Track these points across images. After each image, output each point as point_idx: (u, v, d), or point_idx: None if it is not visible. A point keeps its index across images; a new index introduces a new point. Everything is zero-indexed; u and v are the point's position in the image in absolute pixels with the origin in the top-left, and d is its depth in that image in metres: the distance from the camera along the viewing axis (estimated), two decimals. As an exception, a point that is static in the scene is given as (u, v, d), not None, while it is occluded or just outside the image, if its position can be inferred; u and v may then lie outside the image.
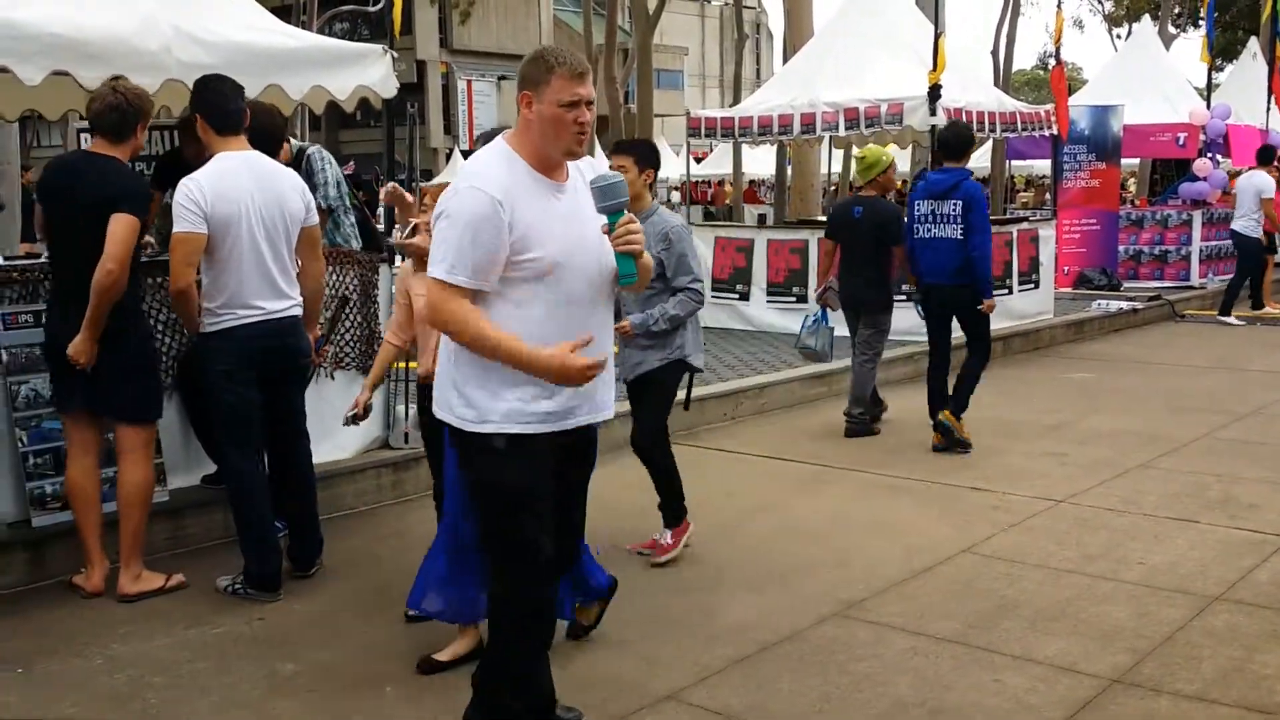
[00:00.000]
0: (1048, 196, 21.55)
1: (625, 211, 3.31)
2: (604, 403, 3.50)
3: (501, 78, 55.69)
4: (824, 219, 15.96)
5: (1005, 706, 3.91)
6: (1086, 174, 15.50)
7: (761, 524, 6.01)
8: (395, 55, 6.57)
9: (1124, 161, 17.46)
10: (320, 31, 27.75)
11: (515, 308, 3.28)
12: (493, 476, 3.37)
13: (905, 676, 4.15)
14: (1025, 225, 13.09)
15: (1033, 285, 12.70)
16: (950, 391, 7.67)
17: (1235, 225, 14.02)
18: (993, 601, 4.86)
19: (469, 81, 53.93)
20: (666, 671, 4.22)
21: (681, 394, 5.75)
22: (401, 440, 6.64)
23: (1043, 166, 26.01)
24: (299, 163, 6.09)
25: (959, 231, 7.41)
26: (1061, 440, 7.81)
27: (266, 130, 5.34)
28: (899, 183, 37.74)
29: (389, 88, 6.49)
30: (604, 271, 3.39)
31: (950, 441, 7.51)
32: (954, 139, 7.73)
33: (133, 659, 4.35)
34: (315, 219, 5.21)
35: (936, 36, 10.92)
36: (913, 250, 7.70)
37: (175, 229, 4.79)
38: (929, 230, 7.56)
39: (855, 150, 10.10)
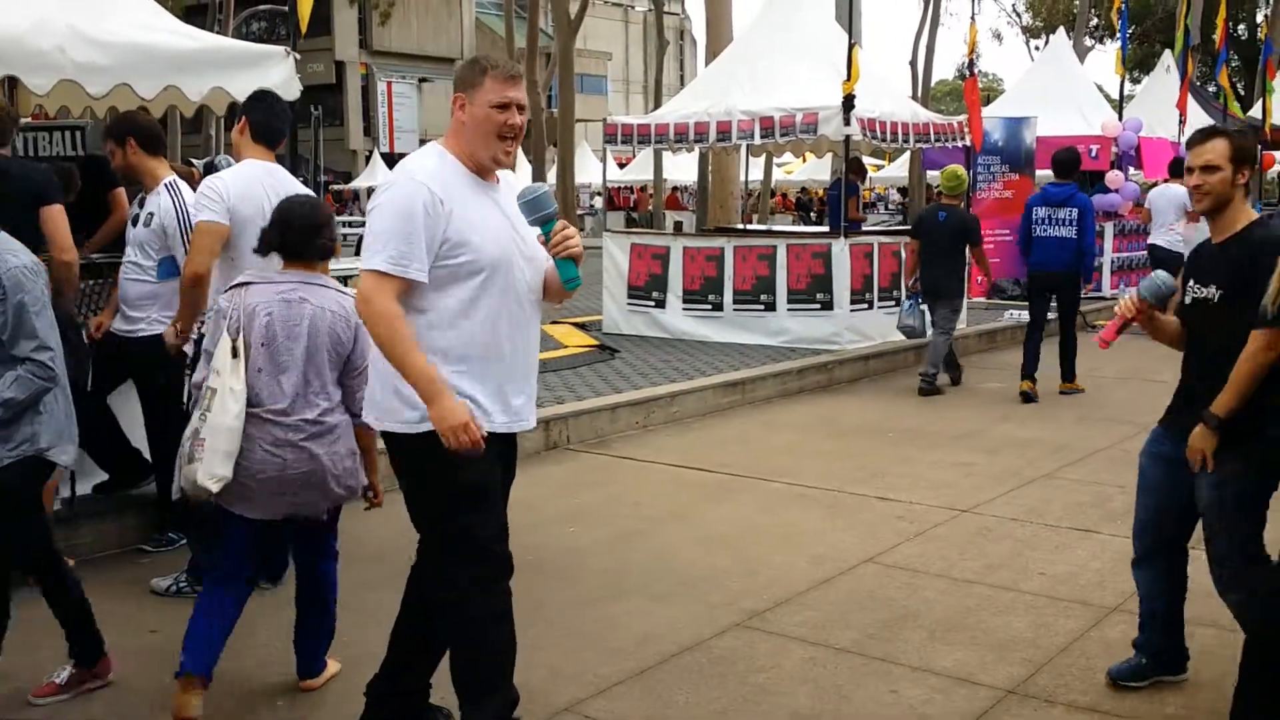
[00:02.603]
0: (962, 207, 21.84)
1: (556, 220, 3.33)
2: (530, 413, 3.53)
3: (422, 80, 55.31)
4: (743, 227, 16.08)
5: (901, 718, 3.92)
6: (1000, 185, 15.74)
7: (668, 533, 5.98)
8: (298, 57, 6.45)
9: (1038, 173, 17.76)
10: (237, 30, 27.35)
11: (453, 312, 3.26)
12: (447, 476, 3.29)
13: (804, 687, 4.14)
14: (939, 235, 13.22)
15: (946, 294, 12.84)
16: (1059, 362, 9.79)
17: (1156, 239, 14.07)
18: (893, 611, 4.87)
19: (389, 83, 53.44)
20: (567, 684, 4.17)
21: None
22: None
23: (959, 176, 26.39)
24: (209, 174, 5.99)
25: (1073, 232, 9.63)
26: (970, 449, 7.89)
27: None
28: (820, 191, 38.01)
29: (292, 90, 6.38)
30: (538, 278, 3.42)
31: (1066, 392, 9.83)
32: (1067, 160, 9.95)
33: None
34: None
35: (851, 47, 11.02)
36: (1026, 245, 9.83)
37: (199, 218, 4.84)
38: (1044, 230, 9.72)
39: (940, 173, 10.26)
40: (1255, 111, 23.50)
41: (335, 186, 44.34)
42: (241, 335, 3.84)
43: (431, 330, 3.27)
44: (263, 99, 5.26)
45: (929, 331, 10.30)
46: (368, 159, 51.12)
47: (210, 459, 3.77)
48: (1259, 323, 3.51)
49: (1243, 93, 39.00)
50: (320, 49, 47.05)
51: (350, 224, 34.50)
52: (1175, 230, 13.89)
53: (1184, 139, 16.70)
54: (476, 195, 3.32)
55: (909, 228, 11.79)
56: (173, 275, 5.17)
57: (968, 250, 10.34)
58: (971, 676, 4.22)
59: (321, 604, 4.23)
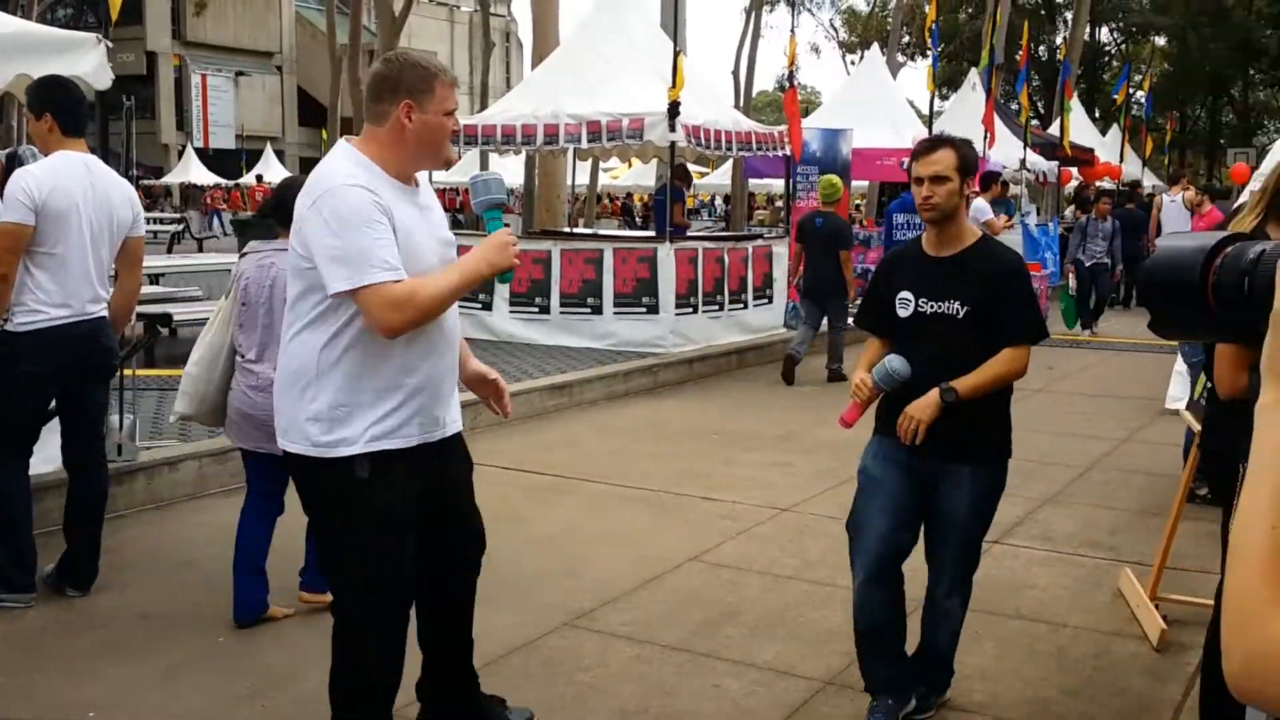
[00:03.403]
0: (782, 215, 22.43)
1: (501, 210, 3.27)
2: (452, 420, 3.36)
3: (239, 73, 53.64)
4: (570, 230, 16.13)
5: (725, 710, 4.02)
6: (818, 194, 16.19)
7: (496, 536, 5.90)
8: (110, 44, 6.20)
9: (855, 183, 18.34)
10: (42, 18, 25.99)
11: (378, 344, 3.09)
12: (359, 502, 3.15)
13: (630, 685, 4.21)
14: (760, 242, 13.56)
15: (766, 301, 13.18)
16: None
17: None
18: (717, 609, 4.99)
19: (204, 76, 51.64)
20: (391, 690, 4.12)
21: None
22: (114, 452, 6.25)
23: (779, 185, 27.08)
24: (10, 165, 5.70)
25: None
26: (789, 450, 8.12)
27: None
28: (646, 196, 38.41)
29: (103, 79, 6.13)
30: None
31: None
32: None
33: None
34: (141, 231, 5.17)
35: (676, 55, 11.20)
36: (889, 248, 10.20)
37: (3, 218, 4.63)
38: (904, 235, 11.07)
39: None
40: (1054, 129, 24.83)
41: (146, 181, 42.62)
42: (232, 295, 4.62)
43: (353, 351, 3.09)
44: (60, 86, 4.99)
45: (800, 329, 11.34)
46: (180, 154, 49.35)
47: (179, 397, 4.75)
48: (1017, 340, 3.63)
49: (1042, 110, 41.12)
50: (131, 38, 45.14)
51: (161, 220, 33.25)
52: None
53: (988, 153, 17.61)
54: (404, 204, 3.13)
55: (732, 234, 12.12)
56: None
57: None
58: (791, 669, 4.36)
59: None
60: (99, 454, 5.20)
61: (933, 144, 3.77)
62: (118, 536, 5.75)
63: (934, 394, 3.59)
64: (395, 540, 3.19)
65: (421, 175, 3.32)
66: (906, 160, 3.97)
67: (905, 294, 3.74)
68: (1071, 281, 15.12)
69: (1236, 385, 3.13)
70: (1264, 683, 1.01)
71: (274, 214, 4.49)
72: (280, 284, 4.24)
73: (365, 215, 2.98)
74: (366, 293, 2.96)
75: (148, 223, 31.95)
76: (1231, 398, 3.16)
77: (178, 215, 34.53)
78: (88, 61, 6.02)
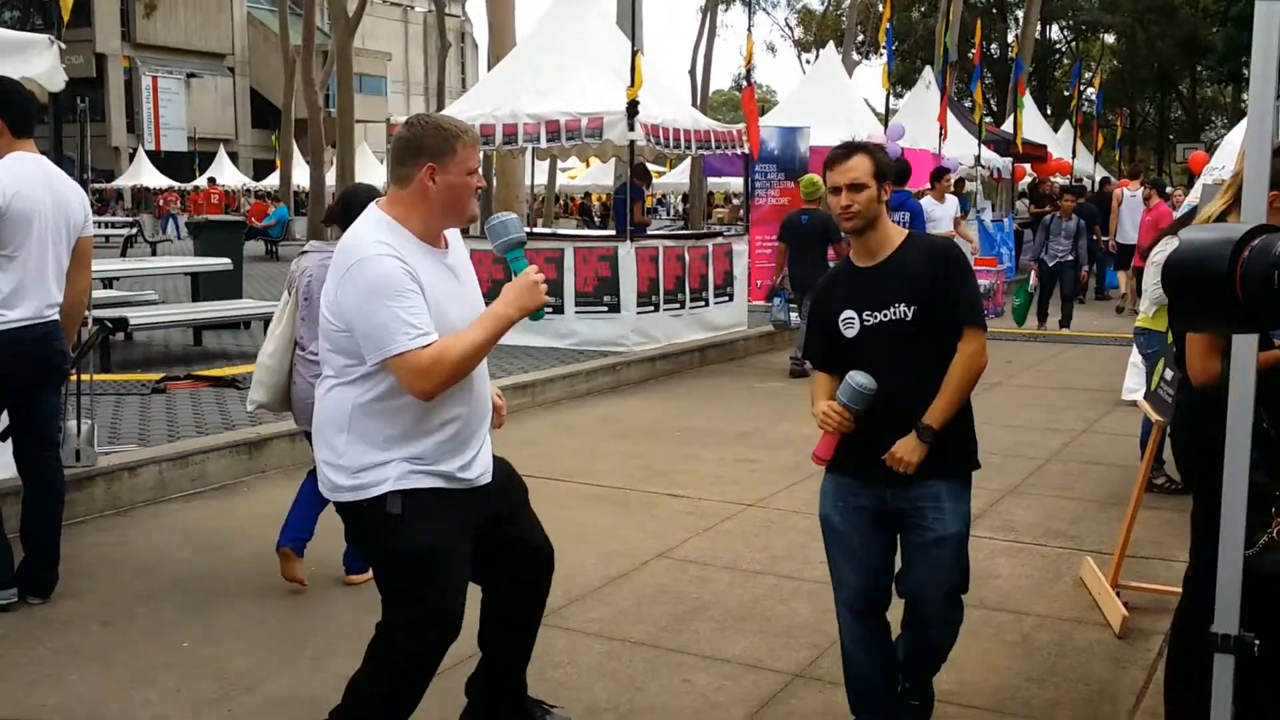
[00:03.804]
0: (741, 213, 22.52)
1: (523, 248, 3.28)
2: (485, 457, 3.42)
3: (191, 75, 53.10)
4: (529, 230, 16.07)
5: (695, 705, 4.03)
6: (776, 192, 16.26)
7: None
8: (63, 46, 6.13)
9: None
10: (-14, 17, 25.59)
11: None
12: (396, 542, 3.23)
13: (600, 681, 4.21)
14: (720, 240, 13.59)
15: (727, 298, 13.21)
16: None
17: None
18: (685, 604, 5.00)
19: (154, 78, 51.06)
20: (360, 691, 4.10)
21: None
22: (72, 458, 6.18)
23: (738, 184, 27.15)
24: None
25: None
26: (753, 447, 8.15)
27: None
28: (605, 196, 38.39)
29: (56, 80, 6.06)
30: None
31: None
32: (900, 171, 11.62)
33: None
34: (91, 231, 5.14)
35: (634, 54, 11.21)
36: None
37: None
38: None
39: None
40: (1007, 126, 25.06)
41: (97, 186, 42.10)
42: (294, 291, 4.99)
43: (386, 402, 3.15)
44: (7, 88, 4.96)
45: (794, 320, 11.55)
46: (131, 156, 48.75)
47: (254, 387, 5.17)
48: (967, 323, 3.44)
49: (995, 108, 41.50)
50: (80, 40, 44.56)
51: (113, 225, 32.85)
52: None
53: (942, 149, 17.76)
54: (436, 268, 3.18)
55: (692, 232, 12.16)
56: None
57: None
58: (760, 663, 4.38)
59: None
60: (54, 459, 5.12)
61: (846, 151, 3.55)
62: (77, 542, 5.69)
63: (913, 437, 3.39)
64: (433, 576, 3.21)
65: (454, 235, 3.34)
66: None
67: (847, 313, 3.52)
68: (1033, 279, 14.95)
69: (1209, 372, 3.15)
70: None
71: (338, 221, 4.72)
72: None
73: (396, 284, 3.04)
74: (396, 361, 3.04)
75: (100, 227, 31.47)
76: (1205, 385, 3.19)
77: (130, 219, 34.14)
78: (40, 63, 5.96)
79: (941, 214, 14.91)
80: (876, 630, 3.66)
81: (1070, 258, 14.80)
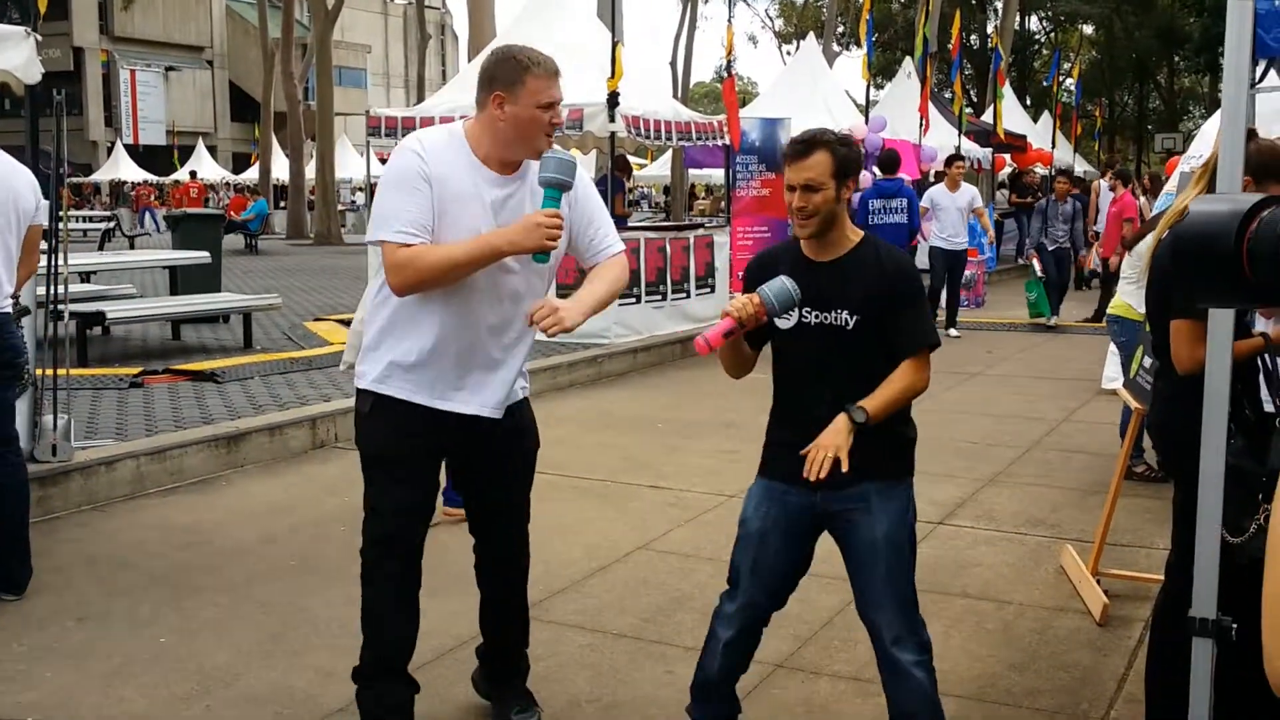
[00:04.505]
0: (723, 205, 22.52)
1: (562, 195, 3.24)
2: (493, 397, 3.43)
3: (169, 68, 52.77)
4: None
5: (677, 697, 4.01)
6: (758, 183, 16.19)
7: (443, 528, 5.92)
8: (40, 38, 6.07)
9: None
10: (-41, 10, 25.40)
11: (419, 298, 3.27)
12: (363, 439, 3.56)
13: (582, 673, 4.20)
14: (701, 232, 13.58)
15: (709, 290, 13.21)
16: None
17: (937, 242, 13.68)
18: (667, 596, 4.99)
19: (133, 71, 50.75)
20: (339, 685, 4.06)
21: None
22: (49, 453, 6.13)
23: (719, 175, 27.14)
24: None
25: (904, 218, 12.05)
26: (734, 438, 8.13)
27: None
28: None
29: (33, 73, 6.01)
30: (526, 263, 3.32)
31: None
32: (890, 159, 12.60)
33: None
34: (44, 219, 5.09)
35: (614, 45, 11.18)
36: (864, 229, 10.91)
37: None
38: (881, 219, 11.93)
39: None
40: (988, 116, 25.13)
41: (75, 179, 41.84)
42: None
43: (393, 302, 3.33)
44: None
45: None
46: (110, 150, 48.47)
47: (347, 349, 5.46)
48: (917, 350, 3.16)
49: (975, 99, 41.60)
50: (56, 33, 44.28)
51: (91, 219, 32.64)
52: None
53: (923, 140, 17.78)
54: (474, 179, 3.25)
55: (673, 224, 12.11)
56: None
57: None
58: (742, 653, 4.36)
59: None
60: (12, 455, 4.96)
61: (806, 146, 3.14)
62: (53, 538, 5.64)
63: (842, 419, 3.06)
64: (383, 478, 3.42)
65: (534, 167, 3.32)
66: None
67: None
68: (1037, 267, 14.47)
69: (1195, 358, 3.12)
70: None
71: None
72: None
73: (405, 178, 3.21)
74: (381, 249, 3.23)
75: (78, 221, 31.23)
76: (1191, 372, 3.15)
77: (108, 213, 33.93)
78: (17, 55, 5.90)
79: (949, 204, 13.58)
80: (750, 644, 3.48)
81: (1068, 244, 14.45)
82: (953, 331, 13.26)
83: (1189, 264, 1.29)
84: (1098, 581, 4.94)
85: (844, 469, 3.02)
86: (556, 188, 3.22)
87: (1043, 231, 14.45)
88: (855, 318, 3.14)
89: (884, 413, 3.10)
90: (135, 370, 9.43)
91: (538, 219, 3.18)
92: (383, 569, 3.50)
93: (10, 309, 4.84)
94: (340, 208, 35.05)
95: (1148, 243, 4.34)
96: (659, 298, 12.15)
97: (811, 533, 3.33)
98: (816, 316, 3.19)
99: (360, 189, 38.59)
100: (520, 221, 3.21)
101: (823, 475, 3.02)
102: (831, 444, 3.03)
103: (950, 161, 14.71)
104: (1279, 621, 0.99)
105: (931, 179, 17.58)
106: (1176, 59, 51.68)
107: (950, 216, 13.55)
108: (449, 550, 5.58)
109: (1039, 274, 14.27)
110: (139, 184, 42.94)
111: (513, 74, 3.21)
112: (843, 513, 3.21)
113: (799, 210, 3.13)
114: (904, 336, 3.16)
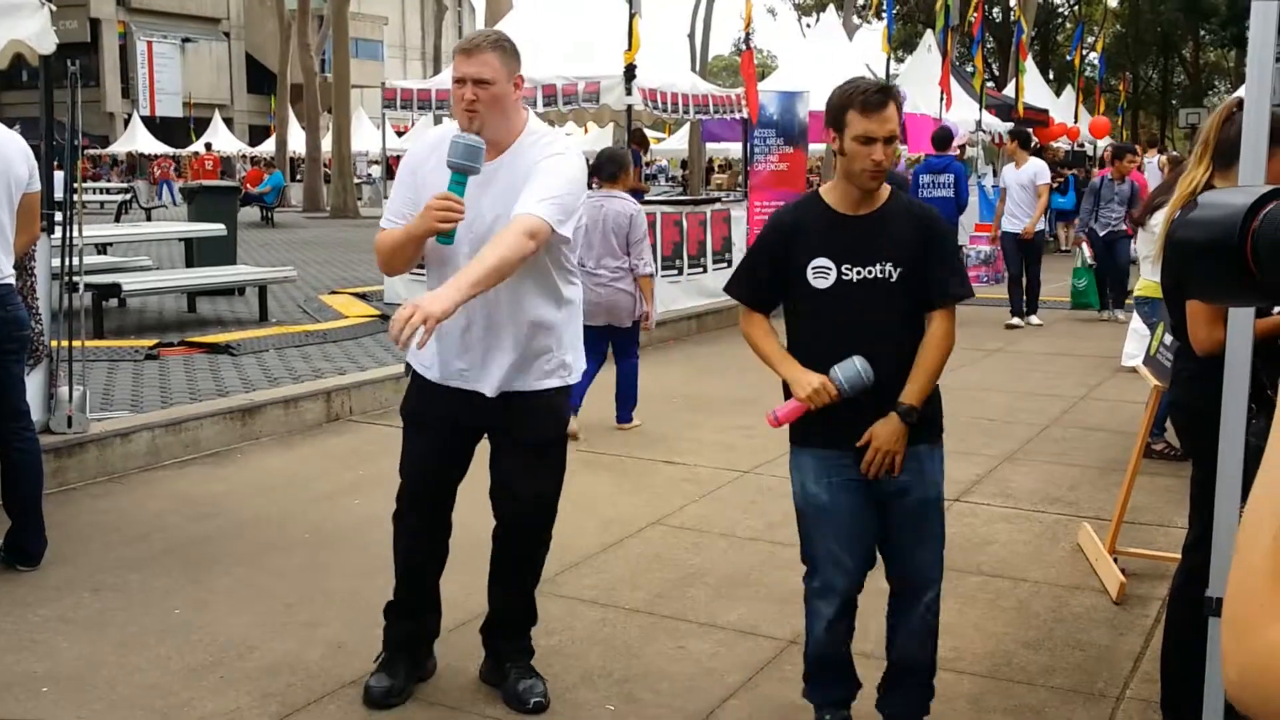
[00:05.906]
0: (740, 179, 22.41)
1: (468, 179, 3.28)
2: (486, 376, 3.56)
3: (186, 40, 52.76)
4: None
5: (690, 671, 4.01)
6: (775, 157, 16.12)
7: (463, 503, 5.92)
8: (54, 8, 6.04)
9: (813, 146, 18.26)
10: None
11: (428, 280, 3.58)
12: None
13: (595, 648, 4.19)
14: (718, 206, 13.52)
15: (725, 264, 13.12)
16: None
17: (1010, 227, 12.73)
18: (681, 571, 4.98)
19: (149, 43, 50.74)
20: (351, 658, 4.08)
21: None
22: (64, 424, 6.15)
23: (737, 149, 26.98)
24: None
25: (951, 193, 12.15)
26: (750, 414, 8.08)
27: None
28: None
29: (47, 43, 5.98)
30: (479, 241, 3.35)
31: None
32: (944, 136, 12.73)
33: None
34: (37, 186, 5.00)
35: (631, 17, 11.09)
36: None
37: None
38: (930, 193, 12.02)
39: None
40: (1009, 90, 24.90)
41: (91, 151, 41.90)
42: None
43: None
44: None
45: None
46: (126, 122, 48.52)
47: None
48: (941, 303, 3.23)
49: (997, 72, 41.25)
50: (73, 4, 44.27)
51: (108, 190, 32.71)
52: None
53: (944, 114, 17.62)
54: (441, 166, 3.35)
55: (690, 198, 12.04)
56: None
57: None
58: (755, 629, 4.36)
59: (624, 379, 7.53)
60: (25, 430, 4.93)
61: (883, 96, 3.10)
62: (69, 509, 5.66)
63: (896, 420, 3.17)
64: (411, 436, 3.73)
65: (528, 150, 3.43)
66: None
67: (822, 261, 3.19)
68: (1086, 254, 12.90)
69: (1214, 339, 3.08)
70: (1261, 694, 0.92)
71: (596, 172, 7.07)
72: (610, 217, 7.06)
73: (401, 169, 3.64)
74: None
75: (95, 193, 31.25)
76: (1210, 353, 3.11)
77: (125, 185, 34.01)
78: (31, 24, 5.88)
79: (1011, 180, 12.58)
80: (853, 615, 3.48)
81: (1124, 227, 11.96)
82: (1034, 319, 12.40)
83: (1189, 258, 1.24)
84: (1115, 560, 4.90)
85: (895, 473, 3.23)
86: (461, 172, 3.28)
87: (1093, 214, 12.45)
88: (899, 269, 3.18)
89: (925, 395, 3.23)
90: (151, 342, 9.45)
91: (430, 202, 3.28)
92: (406, 521, 3.80)
93: (12, 280, 4.79)
94: (356, 180, 35.01)
95: (1160, 220, 4.28)
96: (675, 272, 12.10)
97: (872, 491, 3.33)
98: (858, 272, 3.18)
99: (376, 162, 38.53)
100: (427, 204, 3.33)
101: (880, 476, 3.23)
102: (890, 446, 3.19)
103: (1021, 138, 13.23)
104: (1236, 627, 0.95)
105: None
106: (1202, 32, 51.08)
107: (1013, 194, 12.54)
108: (469, 529, 5.58)
109: (1089, 261, 12.83)
110: (158, 157, 42.98)
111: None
112: (898, 477, 3.29)
113: (877, 164, 3.10)
114: (937, 286, 3.22)
